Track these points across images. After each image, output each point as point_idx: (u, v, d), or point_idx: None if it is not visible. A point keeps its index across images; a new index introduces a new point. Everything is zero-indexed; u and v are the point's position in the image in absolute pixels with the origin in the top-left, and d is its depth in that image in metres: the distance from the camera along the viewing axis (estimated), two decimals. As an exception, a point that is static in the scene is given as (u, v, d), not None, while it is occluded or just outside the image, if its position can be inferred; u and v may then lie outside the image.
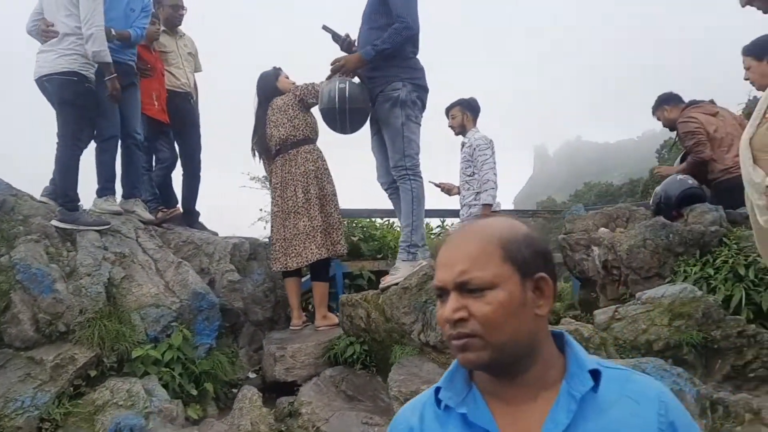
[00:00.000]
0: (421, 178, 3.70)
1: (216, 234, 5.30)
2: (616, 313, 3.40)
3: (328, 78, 3.97)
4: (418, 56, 3.94)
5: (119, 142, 4.50)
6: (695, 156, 4.72)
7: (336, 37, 4.10)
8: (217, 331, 3.81)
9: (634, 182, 31.46)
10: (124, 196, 4.64)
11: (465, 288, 1.06)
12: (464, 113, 4.94)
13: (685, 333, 3.01)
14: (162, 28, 5.22)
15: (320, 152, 4.51)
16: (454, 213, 5.76)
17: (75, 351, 3.15)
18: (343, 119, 3.78)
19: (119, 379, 3.14)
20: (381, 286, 3.66)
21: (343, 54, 3.97)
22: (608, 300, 4.85)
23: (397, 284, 3.58)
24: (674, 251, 4.35)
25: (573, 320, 3.64)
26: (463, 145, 4.97)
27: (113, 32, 4.32)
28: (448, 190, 5.28)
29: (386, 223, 5.85)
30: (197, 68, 5.57)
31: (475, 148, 4.85)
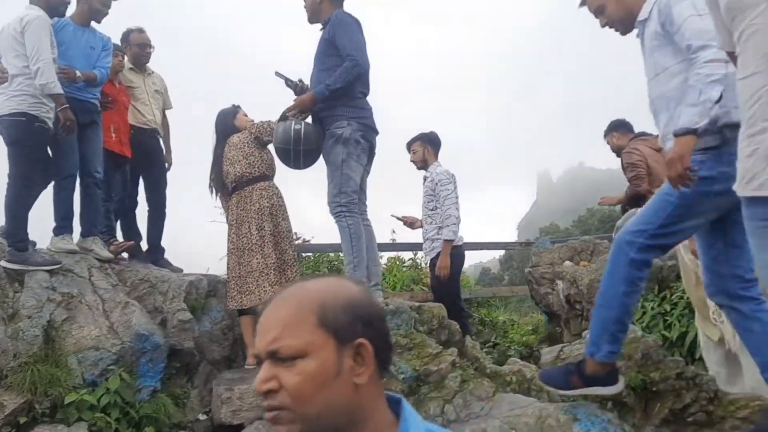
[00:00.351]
0: (356, 214, 3.71)
1: (181, 270, 5.27)
2: (561, 353, 3.34)
3: (283, 117, 4.02)
4: (368, 97, 3.98)
5: (78, 180, 4.51)
6: (633, 188, 4.79)
7: (289, 82, 4.16)
8: (162, 373, 3.75)
9: (636, 208, 31.35)
10: (83, 234, 4.62)
11: (276, 357, 1.02)
12: (425, 147, 4.94)
13: (625, 375, 2.93)
14: (128, 64, 5.27)
15: (276, 189, 4.49)
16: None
17: (4, 397, 3.09)
18: (297, 158, 3.89)
19: (47, 426, 3.08)
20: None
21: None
22: (572, 335, 4.79)
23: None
24: (633, 286, 4.30)
25: (518, 360, 3.58)
26: (425, 179, 4.96)
27: (78, 74, 4.37)
28: (410, 223, 5.26)
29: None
30: (167, 106, 5.60)
31: (437, 183, 4.84)
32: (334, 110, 3.78)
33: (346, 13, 3.95)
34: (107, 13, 4.53)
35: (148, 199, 5.30)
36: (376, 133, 3.96)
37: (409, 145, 4.99)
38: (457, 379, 3.17)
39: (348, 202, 3.70)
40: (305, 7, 4.05)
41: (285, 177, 4.78)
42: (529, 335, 6.25)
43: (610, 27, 2.71)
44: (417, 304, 3.76)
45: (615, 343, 2.50)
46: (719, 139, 2.29)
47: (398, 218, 5.29)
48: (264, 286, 4.23)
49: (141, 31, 5.34)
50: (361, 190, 4.08)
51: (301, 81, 4.14)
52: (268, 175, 4.50)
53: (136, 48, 5.28)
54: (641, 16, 2.53)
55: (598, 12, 2.71)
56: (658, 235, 2.40)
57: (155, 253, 5.29)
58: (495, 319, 6.44)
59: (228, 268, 4.46)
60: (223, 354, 4.61)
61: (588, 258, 5.19)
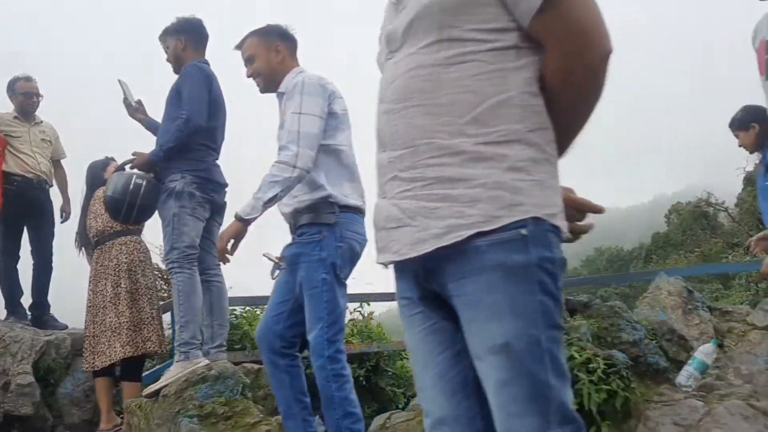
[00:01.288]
0: (188, 270, 3.48)
1: (65, 327, 5.06)
2: (387, 422, 3.07)
3: (120, 168, 3.88)
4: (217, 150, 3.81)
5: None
6: None
7: (126, 98, 4.03)
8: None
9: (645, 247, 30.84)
10: (-54, 292, 4.45)
11: None
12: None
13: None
14: (13, 112, 5.15)
15: (139, 243, 4.29)
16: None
17: None
18: (130, 212, 3.69)
19: None
20: (144, 392, 3.37)
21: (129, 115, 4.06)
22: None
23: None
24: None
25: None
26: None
27: None
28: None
29: (245, 311, 5.55)
30: (58, 155, 5.46)
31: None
32: (170, 162, 3.60)
33: (198, 67, 3.73)
34: None
35: (33, 252, 5.12)
36: (221, 185, 3.76)
37: None
38: (268, 453, 2.91)
39: (179, 257, 3.49)
40: (167, 53, 3.89)
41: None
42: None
43: (254, 79, 2.81)
44: (257, 366, 3.52)
45: None
46: (334, 217, 2.56)
47: (270, 259, 4.98)
48: (115, 346, 3.99)
49: (28, 79, 5.21)
50: (212, 243, 3.87)
51: (138, 102, 4.04)
52: (131, 229, 4.32)
53: (22, 97, 5.14)
54: (281, 88, 2.67)
55: (248, 61, 2.79)
56: (332, 323, 2.56)
57: (39, 310, 5.08)
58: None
59: (85, 326, 4.24)
60: (84, 417, 4.35)
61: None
